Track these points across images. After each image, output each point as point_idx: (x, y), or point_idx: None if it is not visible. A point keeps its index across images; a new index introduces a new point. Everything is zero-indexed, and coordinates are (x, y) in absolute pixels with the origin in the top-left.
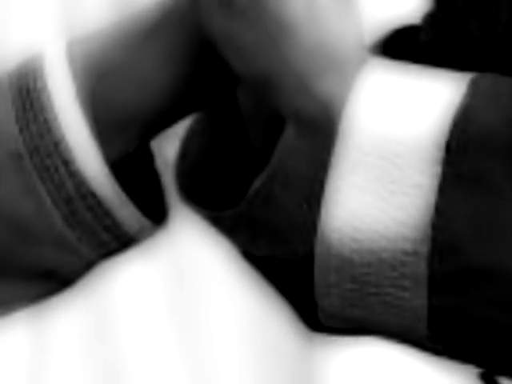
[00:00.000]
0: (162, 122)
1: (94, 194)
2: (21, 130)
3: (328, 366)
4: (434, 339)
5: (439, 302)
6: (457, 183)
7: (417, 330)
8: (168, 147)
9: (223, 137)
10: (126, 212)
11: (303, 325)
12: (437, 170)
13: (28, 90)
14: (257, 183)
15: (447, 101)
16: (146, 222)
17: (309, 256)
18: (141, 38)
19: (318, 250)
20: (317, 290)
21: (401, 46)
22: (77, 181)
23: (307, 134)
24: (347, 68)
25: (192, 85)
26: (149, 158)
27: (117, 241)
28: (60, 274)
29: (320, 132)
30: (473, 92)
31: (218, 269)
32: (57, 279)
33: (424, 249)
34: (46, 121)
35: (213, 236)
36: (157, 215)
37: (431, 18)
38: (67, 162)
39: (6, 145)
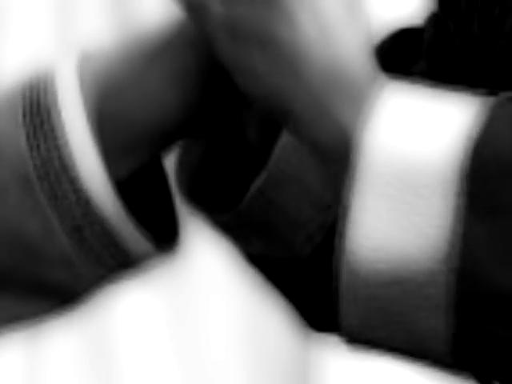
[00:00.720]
0: (169, 139)
1: (100, 217)
2: (30, 150)
3: (325, 367)
4: (456, 360)
5: (461, 325)
6: (478, 210)
7: (439, 353)
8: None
9: (222, 138)
10: (131, 235)
11: (303, 323)
12: (457, 196)
13: (39, 108)
14: (255, 184)
15: (466, 126)
16: (152, 242)
17: (309, 256)
18: (149, 59)
19: (341, 276)
20: (339, 312)
21: (403, 46)
22: (83, 200)
23: (324, 157)
24: (361, 89)
25: (199, 104)
26: (160, 170)
27: (121, 262)
28: (64, 292)
29: (337, 157)
30: (491, 117)
31: (218, 272)
32: (60, 297)
33: (447, 276)
34: (54, 139)
35: (212, 240)
36: (168, 230)
37: (434, 19)
38: (74, 184)
39: (14, 163)
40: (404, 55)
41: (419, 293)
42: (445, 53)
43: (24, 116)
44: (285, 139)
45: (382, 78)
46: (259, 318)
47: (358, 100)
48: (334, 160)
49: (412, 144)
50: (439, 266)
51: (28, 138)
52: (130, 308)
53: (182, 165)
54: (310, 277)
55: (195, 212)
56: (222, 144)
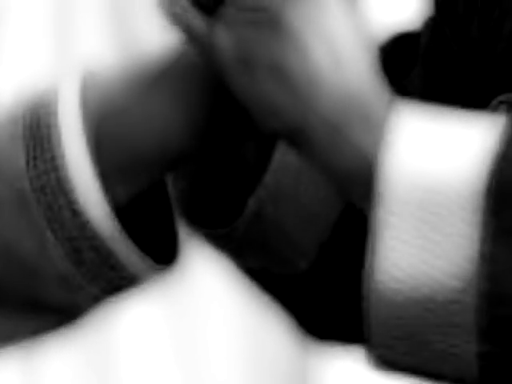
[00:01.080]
0: (171, 164)
1: (96, 238)
2: (28, 170)
3: (324, 377)
4: (484, 382)
5: (490, 348)
6: (500, 231)
7: (468, 377)
8: None
9: (217, 154)
10: (128, 256)
11: (301, 332)
12: (479, 218)
13: (39, 128)
14: (251, 201)
15: (486, 147)
16: (149, 262)
17: (307, 271)
18: (151, 84)
19: (367, 302)
20: (369, 339)
21: (401, 52)
22: (80, 221)
23: (344, 184)
24: (377, 114)
25: (202, 131)
26: (163, 189)
27: (120, 279)
28: (62, 310)
29: (358, 183)
30: (509, 138)
31: (216, 284)
32: (58, 314)
33: (471, 298)
34: (53, 158)
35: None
36: (169, 247)
37: (431, 24)
38: (71, 202)
39: (12, 181)
40: (402, 61)
41: (448, 318)
42: (441, 58)
43: (24, 135)
44: (280, 156)
45: (396, 99)
46: (258, 329)
47: (376, 125)
48: (356, 186)
49: (433, 167)
50: (466, 289)
51: (27, 157)
52: (129, 322)
53: (177, 180)
54: (307, 290)
55: (191, 228)
56: (217, 159)
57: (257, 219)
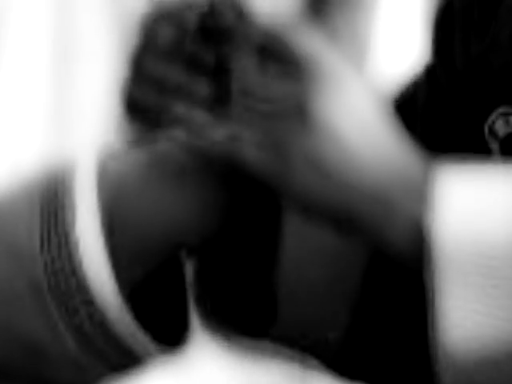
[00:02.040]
0: (181, 250)
1: (106, 321)
2: (42, 248)
3: None
4: None
5: None
6: None
7: None
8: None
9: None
10: (137, 339)
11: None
12: None
13: (55, 206)
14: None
15: None
16: (157, 346)
17: (342, 340)
18: (167, 178)
19: (441, 370)
20: None
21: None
22: (91, 308)
23: (398, 255)
24: (418, 182)
25: (215, 223)
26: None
27: (128, 359)
28: None
29: (412, 252)
30: None
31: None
32: None
33: None
34: (67, 243)
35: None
36: (178, 327)
37: (427, 73)
38: (82, 290)
39: (25, 267)
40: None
41: None
42: (438, 110)
43: (41, 214)
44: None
45: (430, 160)
46: None
47: (419, 192)
48: (410, 255)
49: (486, 228)
50: None
51: (42, 237)
52: None
53: (196, 285)
54: (337, 366)
55: (214, 330)
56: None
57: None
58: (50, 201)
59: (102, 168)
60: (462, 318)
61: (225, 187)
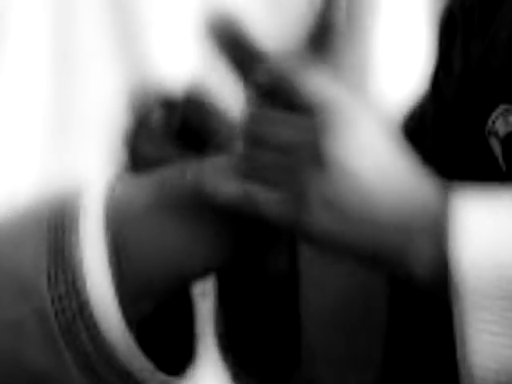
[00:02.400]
0: (188, 284)
1: (113, 355)
2: (49, 282)
3: None
4: None
5: None
6: None
7: None
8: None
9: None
10: (143, 368)
11: None
12: None
13: (63, 245)
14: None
15: None
16: (164, 377)
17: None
18: (174, 214)
19: None
20: None
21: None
22: (98, 343)
23: (423, 287)
24: (438, 214)
25: (222, 257)
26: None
27: None
28: None
29: (436, 283)
30: None
31: None
32: None
33: None
34: (74, 282)
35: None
36: (184, 355)
37: (435, 88)
38: (90, 326)
39: (33, 302)
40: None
41: None
42: (445, 126)
43: (49, 249)
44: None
45: (447, 189)
46: None
47: (439, 222)
48: (432, 284)
49: (506, 255)
50: None
51: (49, 272)
52: None
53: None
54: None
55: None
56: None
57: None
58: (57, 236)
59: (109, 201)
60: (486, 342)
61: (232, 221)
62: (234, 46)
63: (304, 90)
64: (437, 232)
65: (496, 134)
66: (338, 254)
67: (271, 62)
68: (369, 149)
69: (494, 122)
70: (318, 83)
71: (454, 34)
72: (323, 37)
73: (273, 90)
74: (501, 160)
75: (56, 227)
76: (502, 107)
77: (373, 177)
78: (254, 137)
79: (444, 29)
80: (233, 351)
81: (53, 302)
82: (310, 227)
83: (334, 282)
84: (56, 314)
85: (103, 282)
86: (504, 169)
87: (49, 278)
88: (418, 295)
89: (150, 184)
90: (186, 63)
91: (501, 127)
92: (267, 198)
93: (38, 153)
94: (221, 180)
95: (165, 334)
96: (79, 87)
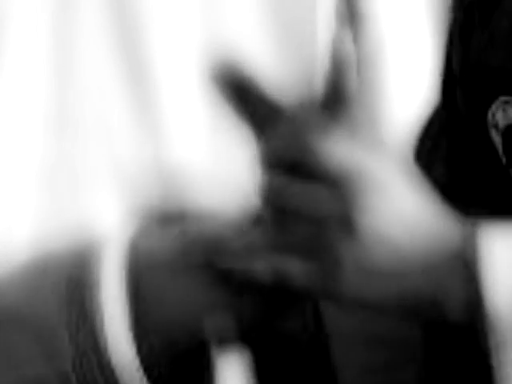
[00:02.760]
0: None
1: None
2: (70, 345)
3: None
4: None
5: None
6: None
7: None
8: None
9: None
10: None
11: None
12: None
13: (83, 300)
14: None
15: None
16: None
17: None
18: (193, 269)
19: None
20: None
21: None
22: None
23: (456, 327)
24: (465, 254)
25: (241, 313)
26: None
27: None
28: None
29: (468, 323)
30: None
31: None
32: None
33: None
34: (95, 345)
35: None
36: None
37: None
38: (106, 376)
39: (54, 361)
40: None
41: None
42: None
43: (69, 312)
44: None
45: (472, 224)
46: None
47: (470, 265)
48: (466, 324)
49: None
50: None
51: (70, 336)
52: None
53: None
54: None
55: None
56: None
57: None
58: (79, 298)
59: (129, 257)
60: None
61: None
62: (242, 97)
63: (326, 160)
64: (467, 274)
65: (496, 126)
66: (372, 311)
67: (286, 126)
68: (396, 211)
69: (493, 115)
70: (339, 151)
71: (454, 32)
72: (335, 94)
73: (293, 162)
74: (501, 152)
75: (77, 288)
76: (501, 99)
77: (402, 237)
78: (282, 211)
79: (449, 32)
80: None
81: (74, 362)
82: (343, 294)
83: (360, 331)
84: (77, 374)
85: (125, 345)
86: (504, 161)
87: (70, 337)
88: (451, 338)
89: (173, 238)
90: (188, 61)
91: (500, 119)
92: (299, 270)
93: (38, 153)
94: (250, 260)
95: None
96: (79, 87)
